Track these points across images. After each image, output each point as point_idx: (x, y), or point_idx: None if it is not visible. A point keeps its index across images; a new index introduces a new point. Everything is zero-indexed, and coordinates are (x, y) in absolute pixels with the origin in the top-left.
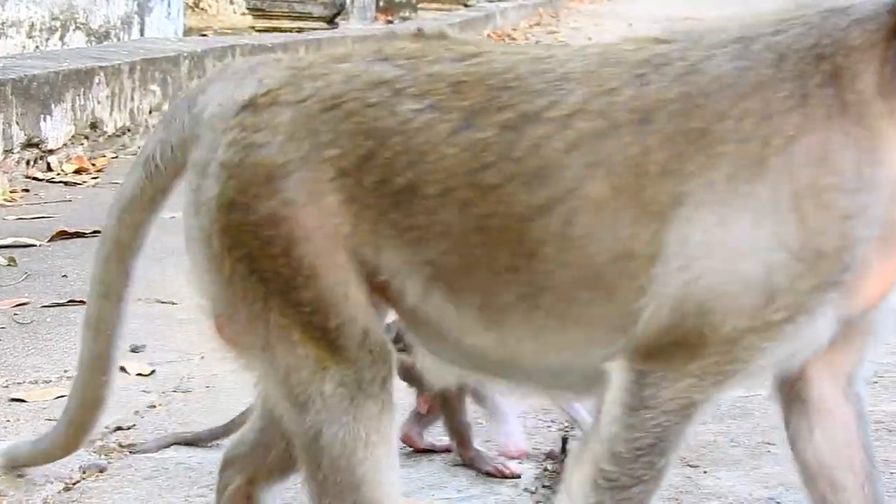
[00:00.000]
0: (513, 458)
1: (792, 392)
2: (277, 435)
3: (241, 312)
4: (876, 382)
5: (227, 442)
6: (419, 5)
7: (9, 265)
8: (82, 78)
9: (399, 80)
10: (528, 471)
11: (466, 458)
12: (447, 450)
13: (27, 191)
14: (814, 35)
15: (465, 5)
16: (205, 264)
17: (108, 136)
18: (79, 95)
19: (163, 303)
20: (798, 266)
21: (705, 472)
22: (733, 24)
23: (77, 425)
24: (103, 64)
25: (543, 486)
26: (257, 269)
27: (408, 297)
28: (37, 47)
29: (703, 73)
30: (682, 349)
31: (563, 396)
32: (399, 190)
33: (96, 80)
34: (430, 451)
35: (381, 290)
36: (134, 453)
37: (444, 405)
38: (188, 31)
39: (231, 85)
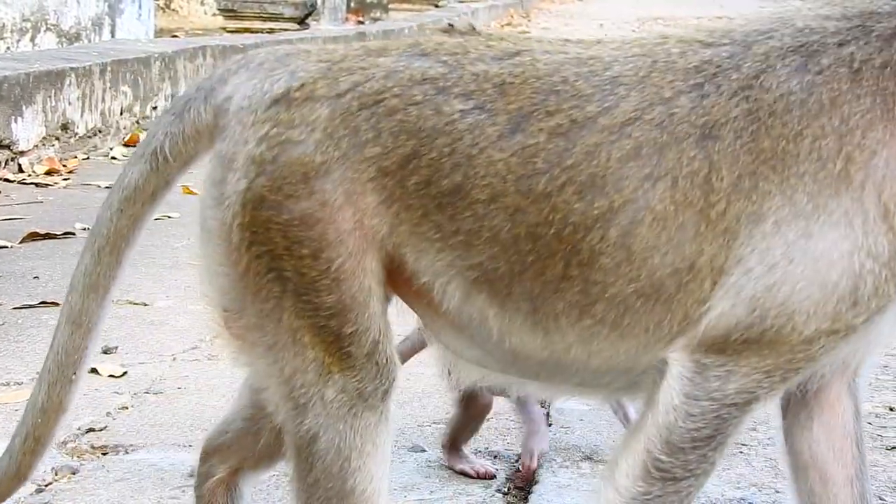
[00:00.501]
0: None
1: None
2: (267, 424)
3: (251, 309)
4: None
5: None
6: (390, 6)
7: None
8: (53, 79)
9: (443, 78)
10: (500, 472)
11: (451, 457)
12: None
13: None
14: (878, 45)
15: (436, 6)
16: (219, 257)
17: (80, 137)
18: (50, 97)
19: (135, 304)
20: (886, 273)
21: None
22: (779, 25)
23: (34, 438)
24: (74, 65)
25: (515, 487)
26: (277, 268)
27: (449, 300)
28: (8, 48)
29: (766, 90)
30: (755, 346)
31: (600, 396)
32: (445, 192)
33: (67, 82)
34: (411, 451)
35: (418, 294)
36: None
37: (471, 408)
38: (159, 33)
39: (260, 76)
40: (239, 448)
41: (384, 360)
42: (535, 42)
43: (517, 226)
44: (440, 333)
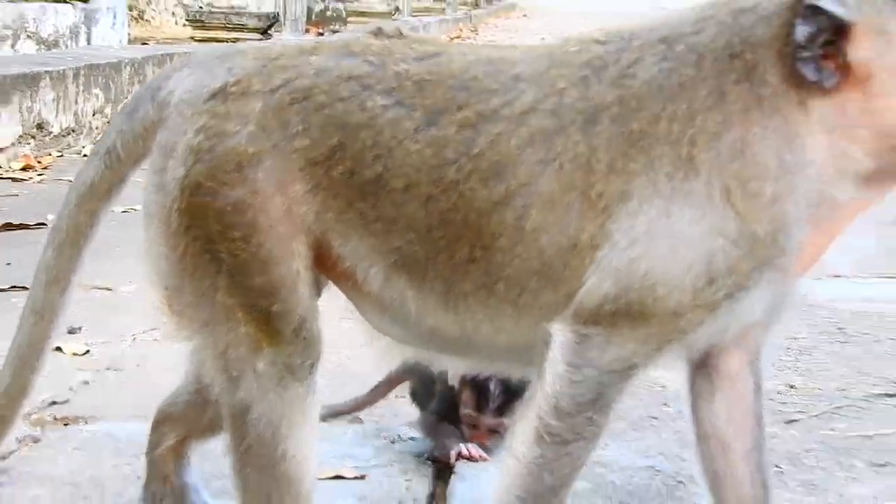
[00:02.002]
0: None
1: (702, 358)
2: (211, 397)
3: (188, 288)
4: None
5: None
6: (349, 19)
7: None
8: (29, 82)
9: (368, 77)
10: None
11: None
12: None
13: None
14: (726, 34)
15: (392, 19)
16: (160, 240)
17: (54, 136)
18: (26, 98)
19: (99, 289)
20: (736, 251)
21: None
22: (659, 24)
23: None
24: (49, 69)
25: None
26: (211, 250)
27: (371, 282)
28: None
29: (635, 77)
30: (626, 317)
31: (508, 369)
32: (367, 182)
33: (42, 84)
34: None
35: (343, 276)
36: (66, 426)
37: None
38: (132, 41)
39: (200, 73)
40: (186, 419)
41: (311, 337)
42: (454, 46)
43: (430, 213)
44: (366, 312)
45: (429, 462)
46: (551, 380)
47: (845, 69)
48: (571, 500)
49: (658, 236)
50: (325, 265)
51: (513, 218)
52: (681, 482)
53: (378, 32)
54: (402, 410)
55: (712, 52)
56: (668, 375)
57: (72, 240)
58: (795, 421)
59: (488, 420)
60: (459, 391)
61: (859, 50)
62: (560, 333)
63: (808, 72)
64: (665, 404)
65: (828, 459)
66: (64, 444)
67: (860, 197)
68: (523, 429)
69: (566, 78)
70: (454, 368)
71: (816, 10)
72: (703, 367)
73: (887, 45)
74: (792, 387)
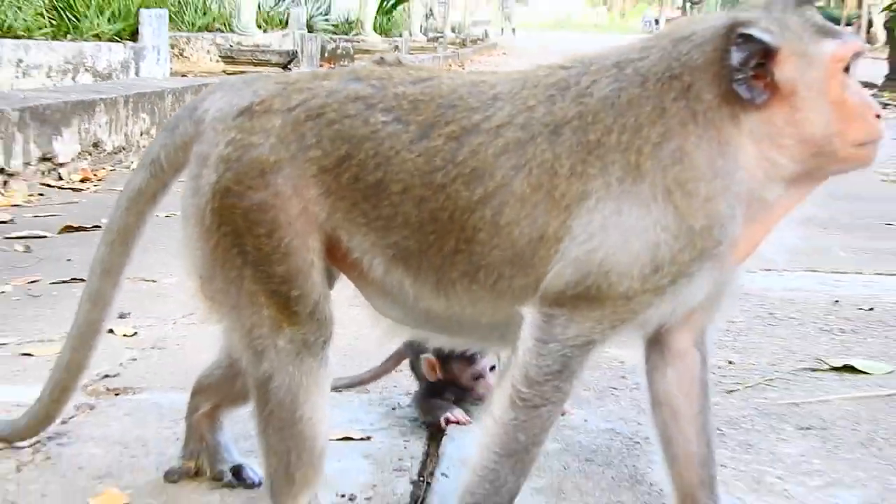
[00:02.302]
0: None
1: (655, 336)
2: (240, 371)
3: (219, 277)
4: None
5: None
6: (356, 55)
7: (25, 251)
8: (86, 107)
9: (372, 97)
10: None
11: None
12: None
13: (42, 195)
14: (667, 59)
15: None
16: (195, 236)
17: (107, 153)
18: (83, 121)
19: (146, 281)
20: (677, 243)
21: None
22: (613, 52)
23: (61, 388)
24: (103, 96)
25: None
26: (239, 244)
27: (374, 271)
28: (54, 84)
29: (592, 96)
30: (585, 300)
31: (494, 345)
32: (369, 186)
33: (97, 109)
34: (358, 393)
35: (351, 266)
36: (117, 395)
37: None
38: (174, 74)
39: (230, 94)
40: (219, 388)
41: (323, 317)
42: (443, 72)
43: (422, 212)
44: (370, 298)
45: (424, 426)
46: (522, 353)
47: (773, 87)
48: (545, 458)
49: (611, 230)
50: (335, 257)
51: (490, 215)
52: (637, 442)
53: (380, 61)
54: (401, 382)
55: (655, 75)
56: (626, 353)
57: (122, 238)
58: (734, 391)
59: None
60: (447, 368)
61: (784, 70)
62: (530, 314)
63: (742, 90)
64: (623, 377)
65: (761, 424)
66: (115, 410)
67: (787, 197)
68: (499, 395)
69: (535, 97)
70: (445, 345)
71: (748, 38)
72: (656, 344)
73: (807, 66)
74: (731, 362)
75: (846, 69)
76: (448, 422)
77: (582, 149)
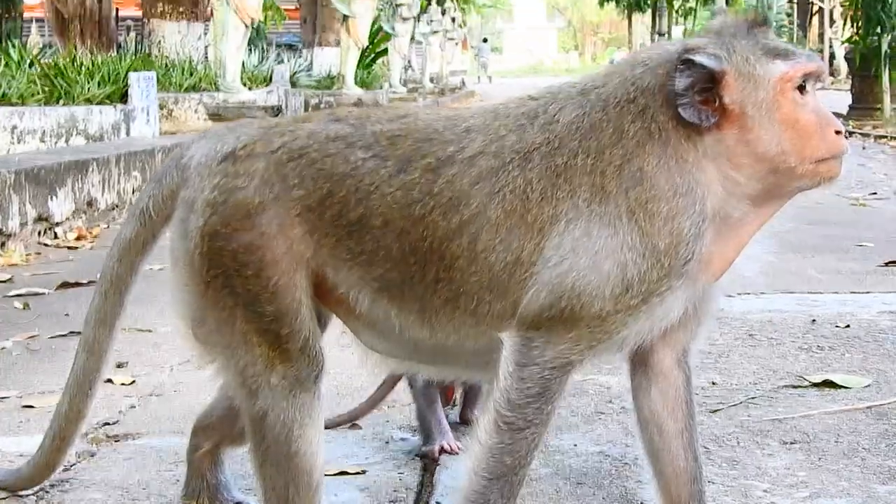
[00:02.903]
0: None
1: (639, 358)
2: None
3: (211, 318)
4: None
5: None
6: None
7: (24, 308)
8: (80, 167)
9: (350, 136)
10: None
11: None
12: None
13: (38, 254)
14: (625, 83)
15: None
16: (186, 279)
17: (101, 211)
18: (77, 181)
19: (142, 331)
20: (644, 262)
21: (553, 435)
22: (579, 81)
23: (61, 437)
24: (96, 156)
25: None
26: (229, 285)
27: (360, 305)
28: (47, 148)
29: (559, 122)
30: (560, 322)
31: (480, 374)
32: (352, 222)
33: (90, 169)
34: (351, 429)
35: (338, 302)
36: (117, 442)
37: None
38: (163, 133)
39: (214, 141)
40: (219, 427)
41: (314, 353)
42: (419, 109)
43: (403, 244)
44: (358, 332)
45: (417, 457)
46: (503, 378)
47: (722, 110)
48: (537, 482)
49: (581, 253)
50: (322, 294)
51: (467, 242)
52: (627, 464)
53: (358, 103)
54: (394, 417)
55: (615, 98)
56: (612, 379)
57: (115, 287)
58: (718, 410)
59: None
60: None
61: (731, 93)
62: (509, 339)
63: (688, 114)
64: (610, 401)
65: (746, 440)
66: (115, 455)
67: (755, 214)
68: (484, 420)
69: (507, 126)
70: (433, 376)
71: (691, 64)
72: (641, 365)
73: (754, 88)
74: (713, 383)
75: (801, 88)
76: (442, 451)
77: (551, 173)
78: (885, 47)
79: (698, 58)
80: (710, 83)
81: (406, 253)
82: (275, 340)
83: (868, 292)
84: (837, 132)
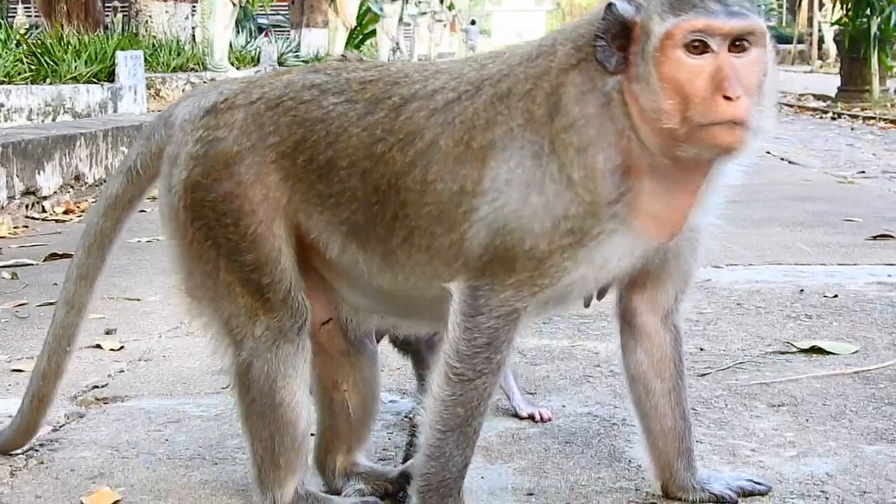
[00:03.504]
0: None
1: (625, 319)
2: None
3: (197, 271)
4: None
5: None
6: None
7: (12, 279)
8: (67, 142)
9: (325, 83)
10: (408, 403)
11: None
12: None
13: (27, 227)
14: (577, 27)
15: None
16: (171, 234)
17: (89, 185)
18: (65, 155)
19: (130, 299)
20: (565, 195)
21: (542, 397)
22: (517, 49)
23: (39, 398)
24: (83, 131)
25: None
26: (212, 237)
27: (331, 251)
28: (34, 126)
29: (515, 55)
30: (500, 265)
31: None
32: (322, 166)
33: (78, 143)
34: None
35: (312, 249)
36: (106, 404)
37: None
38: (150, 112)
39: (198, 98)
40: (341, 436)
41: (297, 304)
42: (398, 62)
43: (367, 184)
44: (340, 289)
45: (406, 418)
46: (452, 329)
47: (625, 59)
48: (525, 441)
49: (513, 185)
50: (304, 247)
51: (421, 174)
52: (615, 424)
53: (342, 58)
54: (383, 381)
55: (564, 37)
56: (600, 344)
57: (98, 242)
58: (706, 374)
59: None
60: None
61: (635, 44)
62: (456, 290)
63: (599, 56)
64: (598, 365)
65: (734, 403)
66: (105, 417)
67: (687, 171)
68: (436, 373)
69: (471, 66)
70: (408, 330)
71: (610, 10)
72: (628, 327)
73: (647, 41)
74: (702, 349)
75: (695, 47)
76: None
77: (496, 100)
78: (874, 29)
79: (617, 5)
80: (624, 31)
81: (369, 192)
82: (256, 291)
83: (855, 264)
84: (727, 98)
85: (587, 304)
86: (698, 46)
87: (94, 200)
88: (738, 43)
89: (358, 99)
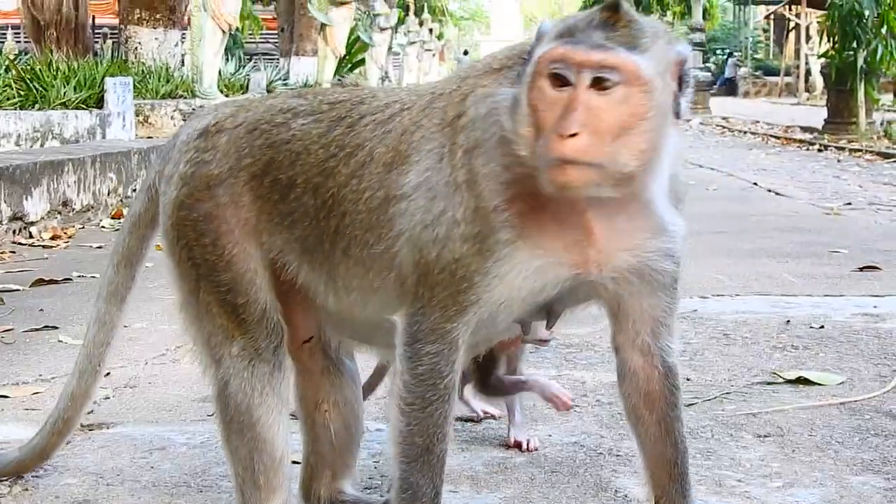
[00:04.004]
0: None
1: (616, 353)
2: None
3: (183, 289)
4: None
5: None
6: None
7: None
8: (55, 167)
9: (300, 107)
10: None
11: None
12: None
13: (14, 252)
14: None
15: None
16: (165, 251)
17: (76, 211)
18: (53, 181)
19: None
20: (456, 197)
21: (529, 426)
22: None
23: (63, 421)
24: (71, 157)
25: None
26: (193, 256)
27: (290, 271)
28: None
29: (452, 73)
30: (423, 284)
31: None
32: (284, 185)
33: (66, 169)
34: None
35: (273, 269)
36: (91, 431)
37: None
38: (139, 139)
39: (197, 119)
40: (326, 463)
41: (272, 324)
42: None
43: (317, 199)
44: (319, 315)
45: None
46: (398, 360)
47: None
48: (511, 470)
49: (421, 189)
50: (275, 265)
51: (357, 183)
52: (601, 454)
53: (339, 83)
54: (369, 409)
55: (496, 55)
56: (587, 374)
57: (126, 261)
58: (692, 404)
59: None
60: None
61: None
62: (397, 320)
63: (515, 68)
64: (584, 395)
65: (721, 433)
66: (90, 443)
67: (587, 201)
68: (391, 404)
69: (430, 83)
70: (384, 357)
71: (538, 29)
72: (617, 361)
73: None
74: (688, 379)
75: (560, 78)
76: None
77: (428, 104)
78: (860, 62)
79: (542, 25)
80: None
81: (319, 208)
82: (232, 311)
83: (842, 295)
84: (561, 136)
85: (525, 332)
86: (559, 78)
87: (81, 227)
88: (601, 78)
89: (323, 119)
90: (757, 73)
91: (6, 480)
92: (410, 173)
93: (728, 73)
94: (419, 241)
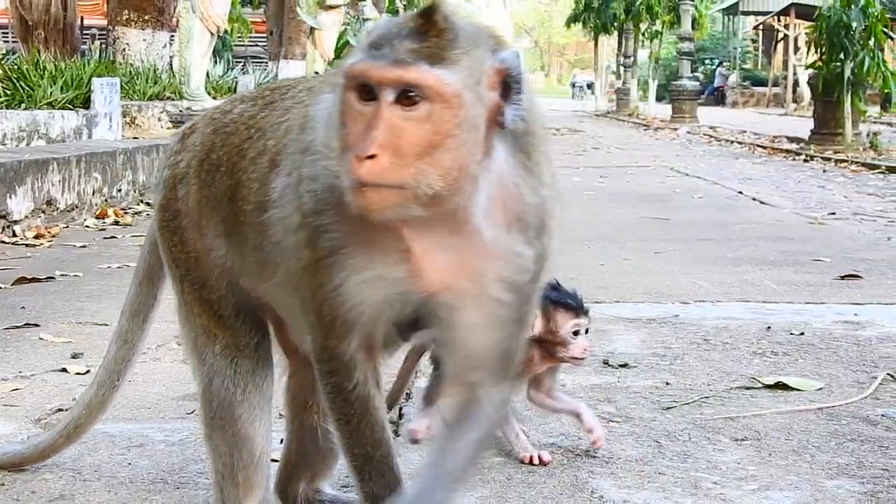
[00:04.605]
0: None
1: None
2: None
3: (174, 291)
4: None
5: None
6: None
7: None
8: (40, 166)
9: (253, 107)
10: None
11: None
12: None
13: None
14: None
15: None
16: (162, 255)
17: (60, 210)
18: (37, 180)
19: (97, 325)
20: (287, 196)
21: (506, 426)
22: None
23: (75, 426)
24: (56, 156)
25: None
26: (174, 258)
27: (226, 263)
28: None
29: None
30: (301, 302)
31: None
32: (214, 183)
33: (50, 168)
34: None
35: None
36: None
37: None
38: (125, 140)
39: (186, 124)
40: (303, 467)
41: (249, 320)
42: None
43: (232, 179)
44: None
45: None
46: (316, 377)
47: None
48: (488, 470)
49: (277, 190)
50: None
51: (252, 171)
52: (577, 455)
53: None
54: None
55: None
56: (566, 377)
57: (148, 278)
58: (671, 408)
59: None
60: (552, 317)
61: None
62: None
63: None
64: None
65: (698, 436)
66: None
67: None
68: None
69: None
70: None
71: None
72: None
73: None
74: (668, 383)
75: (366, 91)
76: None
77: (307, 107)
78: (847, 74)
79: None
80: None
81: (233, 188)
82: (210, 308)
83: (823, 303)
84: (358, 157)
85: (406, 339)
86: (365, 92)
87: (65, 226)
88: (407, 95)
89: (258, 102)
90: (745, 84)
91: None
92: (280, 177)
93: (716, 83)
94: (283, 252)
